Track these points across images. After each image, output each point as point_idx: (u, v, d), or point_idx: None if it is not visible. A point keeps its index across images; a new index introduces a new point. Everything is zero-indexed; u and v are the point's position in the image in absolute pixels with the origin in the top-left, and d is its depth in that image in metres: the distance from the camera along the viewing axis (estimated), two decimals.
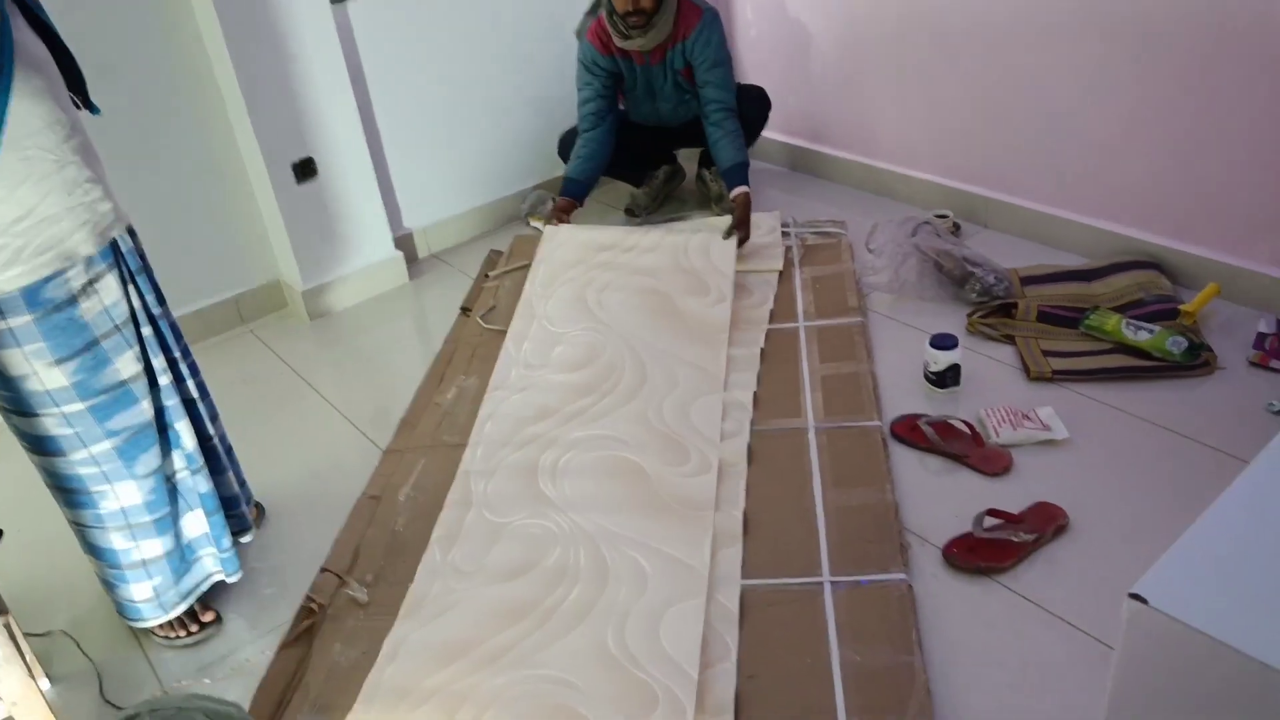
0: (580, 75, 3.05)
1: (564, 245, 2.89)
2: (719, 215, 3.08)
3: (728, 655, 1.66)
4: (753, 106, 3.18)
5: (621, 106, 3.20)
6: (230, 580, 1.94)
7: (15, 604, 1.91)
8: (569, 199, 3.02)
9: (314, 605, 1.87)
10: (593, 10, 3.02)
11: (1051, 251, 2.83)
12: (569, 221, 3.02)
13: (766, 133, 3.52)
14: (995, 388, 2.32)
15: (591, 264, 2.80)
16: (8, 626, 1.37)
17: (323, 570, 1.96)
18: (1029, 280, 2.65)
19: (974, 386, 2.32)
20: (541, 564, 1.86)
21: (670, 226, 3.01)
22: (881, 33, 3.06)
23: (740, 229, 2.84)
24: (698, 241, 2.81)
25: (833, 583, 1.79)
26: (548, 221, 3.00)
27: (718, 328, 2.52)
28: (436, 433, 2.34)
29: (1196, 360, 2.25)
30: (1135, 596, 0.59)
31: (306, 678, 1.73)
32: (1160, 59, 2.42)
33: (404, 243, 3.24)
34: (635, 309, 2.60)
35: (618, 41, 2.92)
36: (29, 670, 1.41)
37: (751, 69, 3.58)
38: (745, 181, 2.92)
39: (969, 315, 2.55)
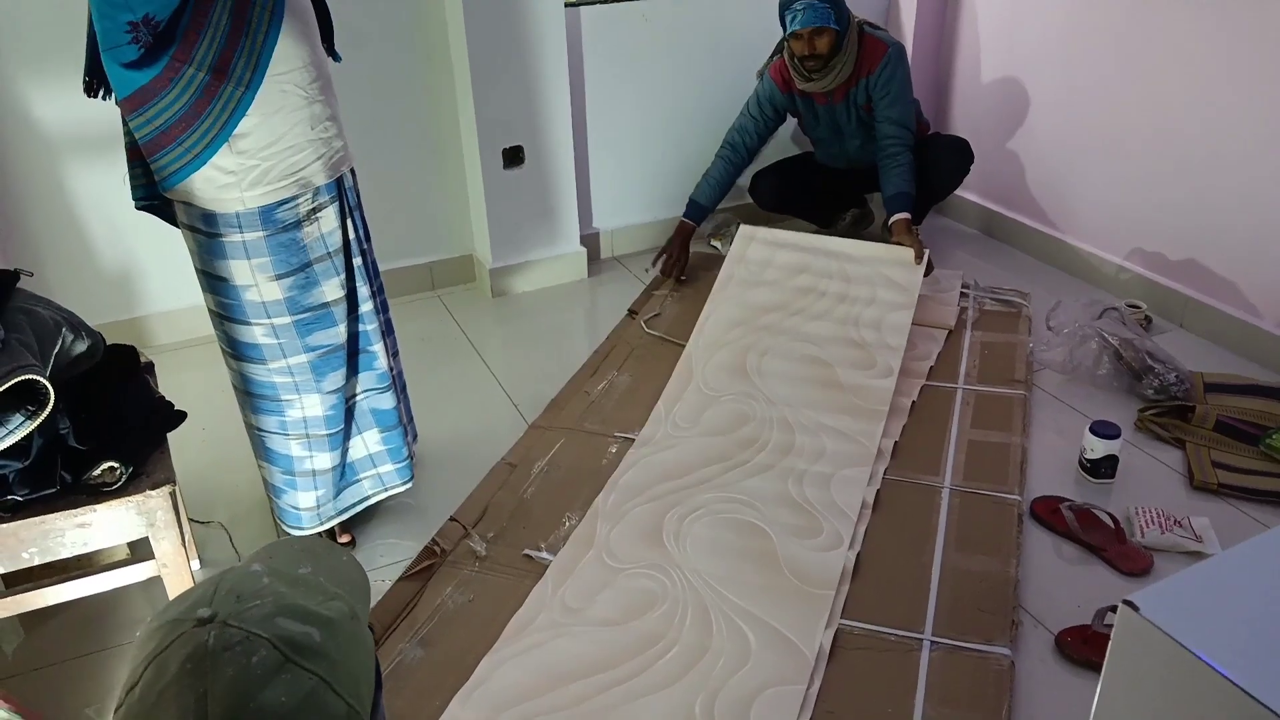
0: (750, 105, 3.11)
1: (729, 301, 2.85)
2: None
3: (811, 684, 1.67)
4: (952, 157, 3.15)
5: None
6: (403, 488, 2.12)
7: (186, 491, 2.15)
8: (690, 222, 3.13)
9: (437, 548, 2.01)
10: (777, 50, 3.07)
11: (1245, 364, 2.66)
12: (689, 247, 3.12)
13: (964, 193, 3.47)
14: (1152, 489, 2.20)
15: (755, 325, 2.74)
16: (173, 495, 1.55)
17: (451, 519, 2.09)
18: (1214, 388, 2.50)
19: (1129, 483, 2.22)
20: (646, 616, 1.81)
21: (856, 244, 2.99)
22: (1105, 105, 2.97)
23: (916, 249, 2.85)
24: (870, 315, 2.74)
25: (932, 642, 1.76)
26: (663, 253, 3.14)
27: (879, 400, 2.42)
28: (580, 418, 2.45)
29: None
30: (1128, 603, 0.59)
31: (416, 611, 1.86)
32: None
33: (589, 240, 3.39)
34: (795, 379, 2.53)
35: (799, 83, 2.96)
36: (183, 540, 1.58)
37: (961, 119, 3.54)
38: (907, 210, 2.91)
39: (1141, 411, 2.44)
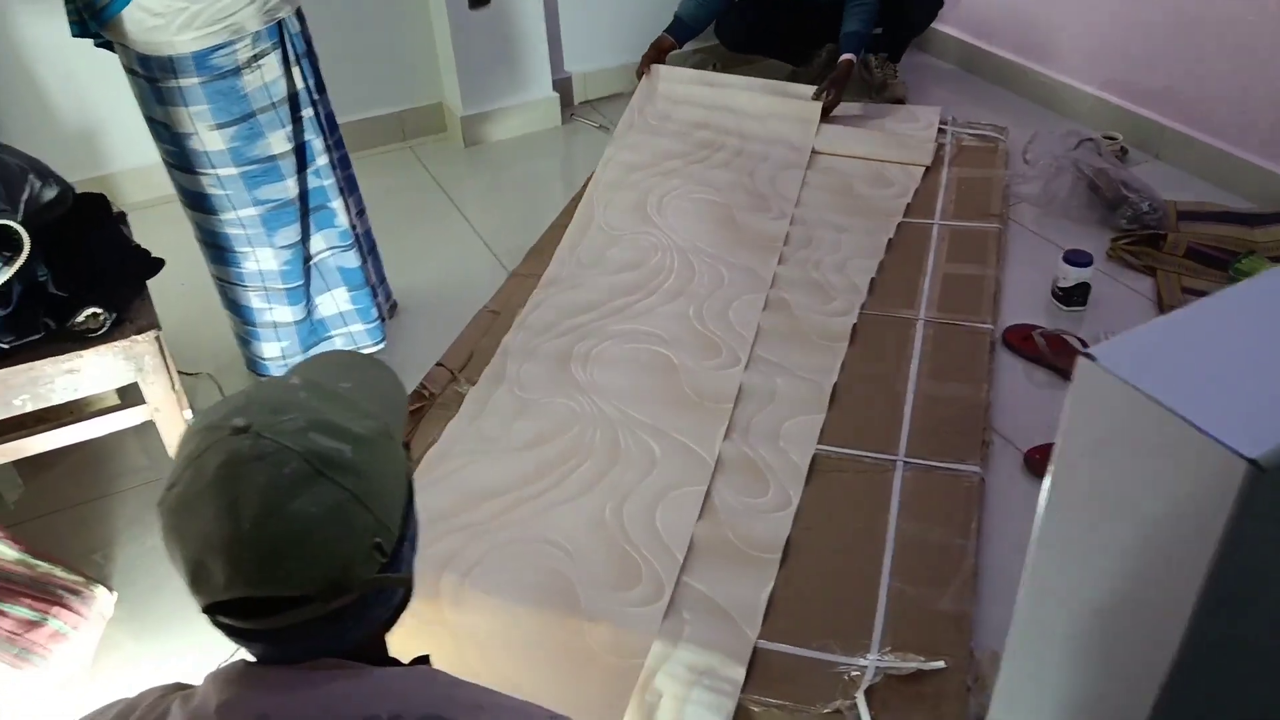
0: None
1: (631, 147, 2.85)
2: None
3: (788, 505, 1.75)
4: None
5: None
6: (374, 349, 2.15)
7: (171, 344, 2.16)
8: (671, 39, 3.05)
9: (425, 392, 2.05)
10: None
11: (1221, 193, 2.67)
12: (664, 62, 3.05)
13: (943, 27, 3.40)
14: (1122, 315, 2.26)
15: (656, 170, 2.75)
16: (158, 340, 1.57)
17: (438, 364, 2.13)
18: (1186, 215, 2.52)
19: (1101, 311, 2.27)
20: (558, 439, 1.89)
21: (757, 99, 2.99)
22: None
23: (830, 90, 2.87)
24: (765, 169, 2.76)
25: (906, 462, 1.83)
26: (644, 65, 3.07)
27: (773, 237, 2.47)
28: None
29: None
30: (1087, 355, 0.61)
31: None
32: None
33: (562, 85, 3.31)
34: (693, 217, 2.56)
35: None
36: (173, 385, 1.61)
37: None
38: (857, 51, 2.92)
39: (1113, 240, 2.47)
